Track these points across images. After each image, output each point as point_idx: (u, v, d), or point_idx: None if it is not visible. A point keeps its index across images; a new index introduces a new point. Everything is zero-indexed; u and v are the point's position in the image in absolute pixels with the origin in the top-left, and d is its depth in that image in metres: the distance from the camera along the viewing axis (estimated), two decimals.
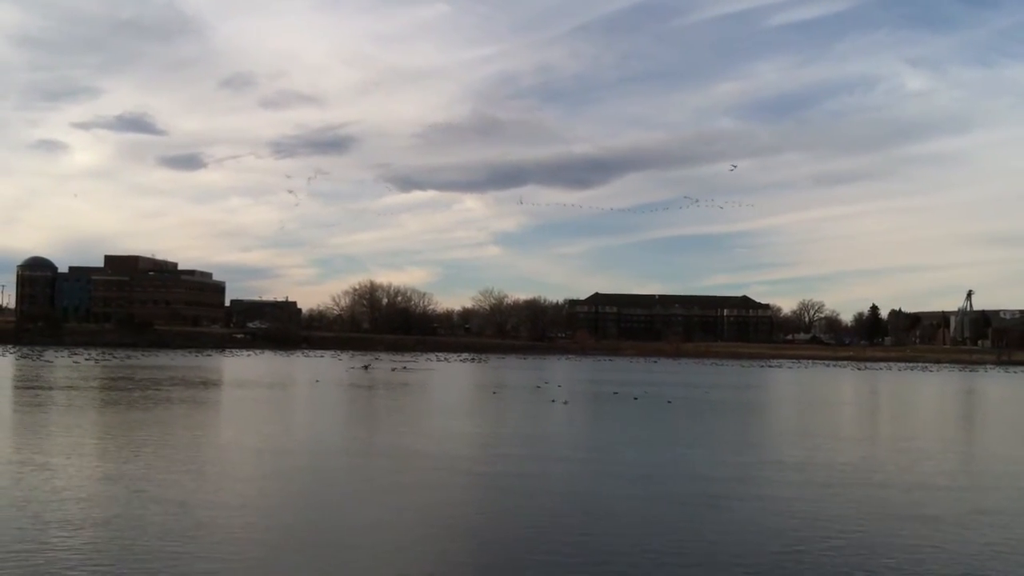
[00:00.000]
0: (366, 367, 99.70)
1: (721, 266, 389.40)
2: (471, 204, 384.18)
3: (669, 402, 58.86)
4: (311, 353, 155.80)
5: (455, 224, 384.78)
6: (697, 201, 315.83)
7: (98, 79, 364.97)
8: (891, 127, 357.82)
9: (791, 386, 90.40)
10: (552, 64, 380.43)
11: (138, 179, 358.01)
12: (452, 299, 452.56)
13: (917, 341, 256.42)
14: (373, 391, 65.49)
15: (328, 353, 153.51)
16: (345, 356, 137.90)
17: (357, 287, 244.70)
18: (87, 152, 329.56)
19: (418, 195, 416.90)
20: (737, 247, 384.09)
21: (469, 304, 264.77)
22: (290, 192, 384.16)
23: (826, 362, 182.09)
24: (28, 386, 60.00)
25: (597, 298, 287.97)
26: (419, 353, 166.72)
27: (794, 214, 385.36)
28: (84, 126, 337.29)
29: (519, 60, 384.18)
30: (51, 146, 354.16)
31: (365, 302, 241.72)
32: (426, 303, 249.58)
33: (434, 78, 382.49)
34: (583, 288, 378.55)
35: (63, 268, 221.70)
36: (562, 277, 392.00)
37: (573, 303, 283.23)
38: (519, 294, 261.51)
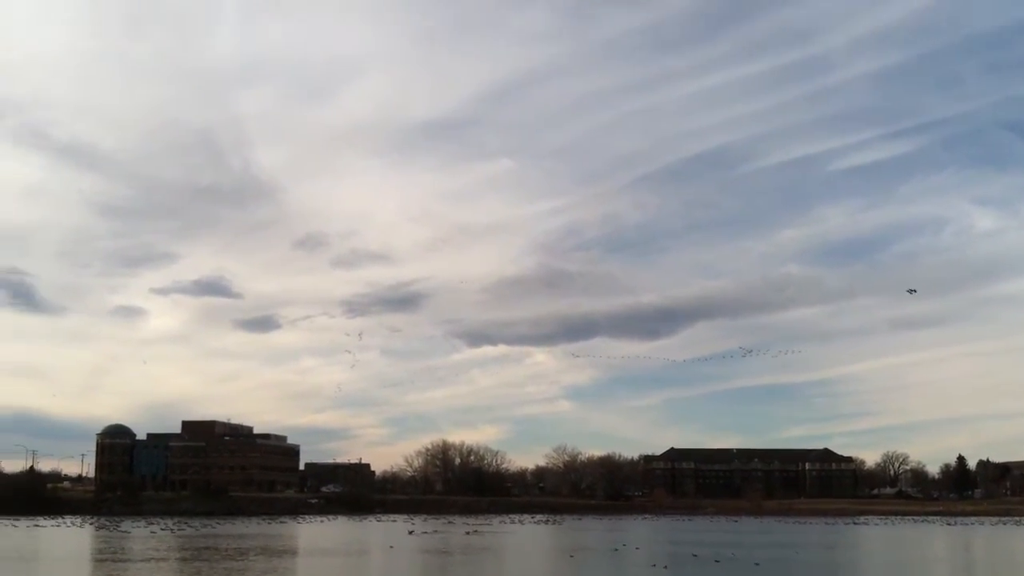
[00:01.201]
0: (411, 532, 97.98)
1: (800, 416, 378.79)
2: (541, 358, 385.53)
3: (757, 564, 56.57)
4: (384, 518, 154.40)
5: (526, 379, 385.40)
6: (766, 351, 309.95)
7: (176, 244, 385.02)
8: (964, 268, 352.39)
9: (881, 545, 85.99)
10: (617, 214, 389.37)
11: (214, 342, 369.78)
12: (525, 456, 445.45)
13: (1008, 493, 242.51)
14: (449, 557, 64.50)
15: (401, 517, 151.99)
16: (419, 520, 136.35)
17: (429, 447, 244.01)
18: (165, 317, 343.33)
19: (488, 350, 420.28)
20: (815, 396, 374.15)
21: (542, 462, 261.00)
22: (348, 352, 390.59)
23: (914, 518, 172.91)
24: (109, 559, 60.68)
25: (673, 453, 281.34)
26: (493, 515, 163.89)
27: (872, 361, 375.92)
28: (162, 291, 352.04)
29: (584, 212, 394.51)
30: (130, 312, 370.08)
31: (438, 462, 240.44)
32: (499, 462, 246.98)
33: (501, 232, 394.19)
34: (658, 442, 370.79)
35: (141, 435, 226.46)
36: (636, 431, 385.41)
37: (649, 459, 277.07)
38: (593, 450, 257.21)
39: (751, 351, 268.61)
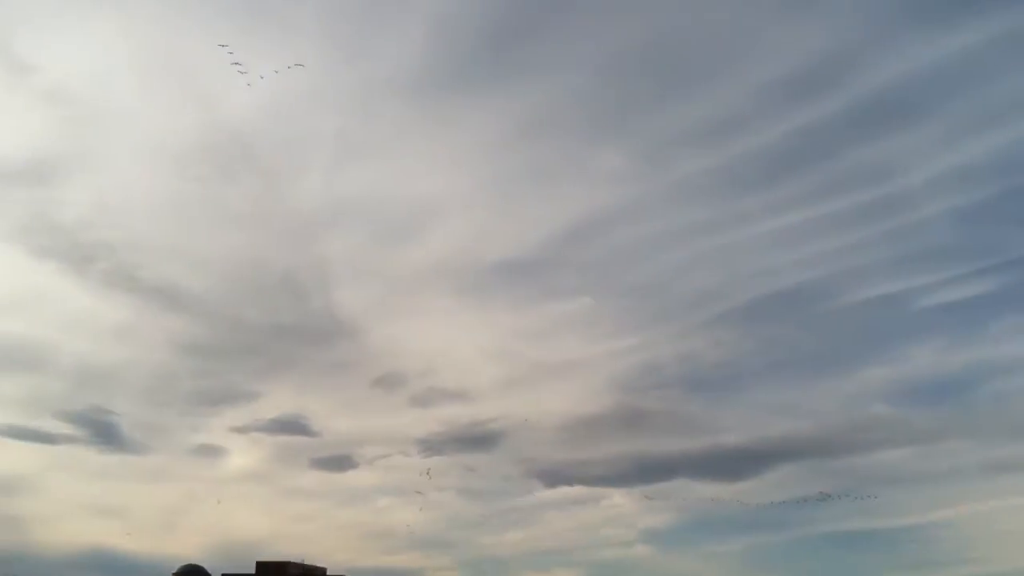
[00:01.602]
0: None
1: (890, 564, 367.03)
2: (619, 499, 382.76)
3: None
4: None
5: (603, 521, 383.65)
6: (851, 495, 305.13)
7: (257, 383, 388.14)
8: None
9: None
10: (695, 353, 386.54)
11: (291, 481, 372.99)
12: None
13: None
14: None
15: None
16: None
17: None
18: (243, 455, 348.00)
19: (565, 491, 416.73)
20: (905, 542, 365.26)
21: None
22: (420, 492, 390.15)
23: None
24: None
25: None
26: None
27: (964, 506, 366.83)
28: (242, 430, 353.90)
29: (662, 350, 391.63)
30: (210, 450, 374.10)
31: None
32: None
33: (578, 370, 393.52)
34: None
35: (215, 574, 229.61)
36: None
37: None
38: None
39: (832, 496, 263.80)
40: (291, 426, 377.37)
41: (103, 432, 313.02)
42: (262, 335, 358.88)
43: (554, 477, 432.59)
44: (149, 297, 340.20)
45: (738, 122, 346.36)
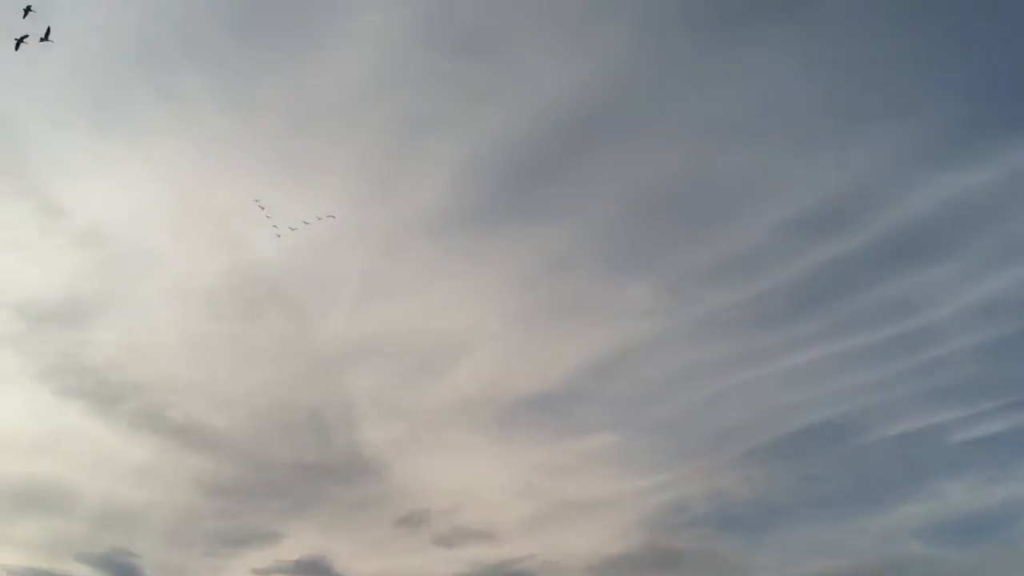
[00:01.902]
0: None
1: None
2: None
3: None
4: None
5: None
6: None
7: (280, 523, 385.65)
8: None
9: None
10: (726, 490, 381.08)
11: None
12: None
13: None
14: None
15: None
16: None
17: None
18: None
19: None
20: None
21: None
22: None
23: None
24: None
25: None
26: None
27: None
28: (264, 572, 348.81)
29: (691, 487, 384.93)
30: None
31: None
32: None
33: (606, 508, 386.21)
34: None
35: None
36: None
37: None
38: None
39: None
40: (314, 567, 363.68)
41: (125, 574, 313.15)
42: (286, 473, 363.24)
43: None
44: (174, 436, 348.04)
45: (761, 258, 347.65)
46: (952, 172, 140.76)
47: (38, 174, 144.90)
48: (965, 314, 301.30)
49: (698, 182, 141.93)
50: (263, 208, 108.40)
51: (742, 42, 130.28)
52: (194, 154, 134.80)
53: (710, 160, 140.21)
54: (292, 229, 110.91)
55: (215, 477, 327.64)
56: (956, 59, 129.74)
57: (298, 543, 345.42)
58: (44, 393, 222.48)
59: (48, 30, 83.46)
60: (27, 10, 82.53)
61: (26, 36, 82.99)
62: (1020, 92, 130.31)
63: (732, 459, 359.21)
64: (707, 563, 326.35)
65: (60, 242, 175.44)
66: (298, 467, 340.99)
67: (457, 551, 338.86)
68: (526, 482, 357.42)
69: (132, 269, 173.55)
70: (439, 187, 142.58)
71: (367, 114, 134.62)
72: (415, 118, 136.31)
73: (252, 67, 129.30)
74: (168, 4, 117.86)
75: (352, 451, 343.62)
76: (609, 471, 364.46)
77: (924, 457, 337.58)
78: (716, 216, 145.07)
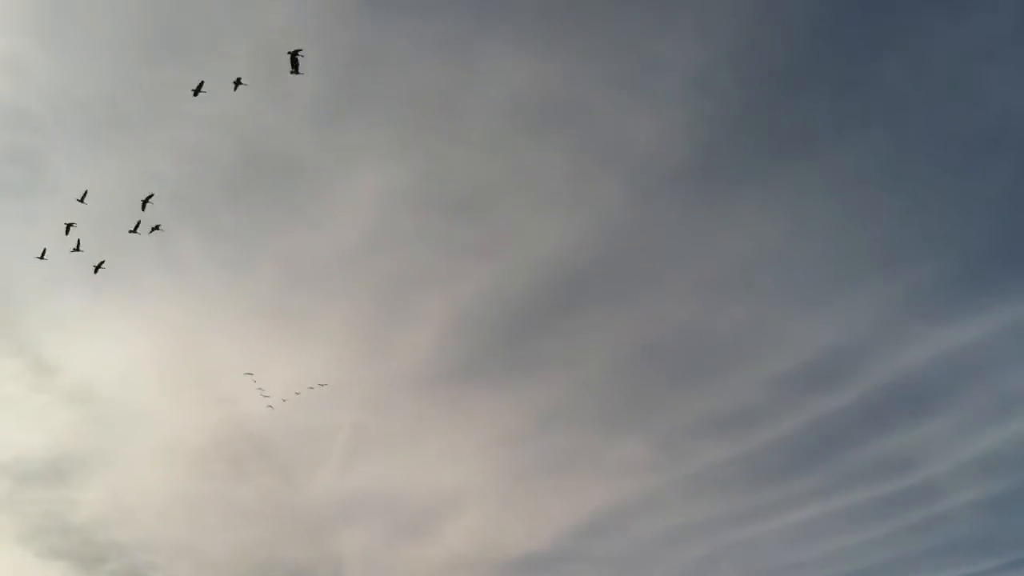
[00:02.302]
0: None
1: None
2: None
3: None
4: None
5: None
6: None
7: None
8: None
9: None
10: None
11: None
12: None
13: None
14: None
15: None
16: None
17: None
18: None
19: None
20: None
21: None
22: None
23: None
24: None
25: None
26: None
27: None
28: None
29: None
30: None
31: None
32: None
33: None
34: None
35: None
36: None
37: None
38: None
39: None
40: None
41: None
42: None
43: None
44: None
45: (757, 413, 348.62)
46: (946, 327, 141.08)
47: (31, 332, 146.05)
48: (963, 470, 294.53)
49: (690, 337, 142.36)
50: (255, 381, 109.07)
51: (732, 201, 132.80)
52: (187, 313, 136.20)
53: (702, 315, 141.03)
54: (284, 400, 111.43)
55: None
56: (948, 213, 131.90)
57: None
58: (27, 555, 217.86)
59: (101, 263, 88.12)
60: (68, 226, 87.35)
61: (103, 263, 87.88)
62: (1013, 247, 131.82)
63: None
64: None
65: (49, 400, 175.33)
66: None
67: None
68: None
69: (120, 427, 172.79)
70: (431, 342, 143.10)
71: (361, 272, 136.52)
72: (408, 275, 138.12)
73: (248, 228, 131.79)
74: (165, 165, 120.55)
75: None
76: None
77: None
78: (709, 371, 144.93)
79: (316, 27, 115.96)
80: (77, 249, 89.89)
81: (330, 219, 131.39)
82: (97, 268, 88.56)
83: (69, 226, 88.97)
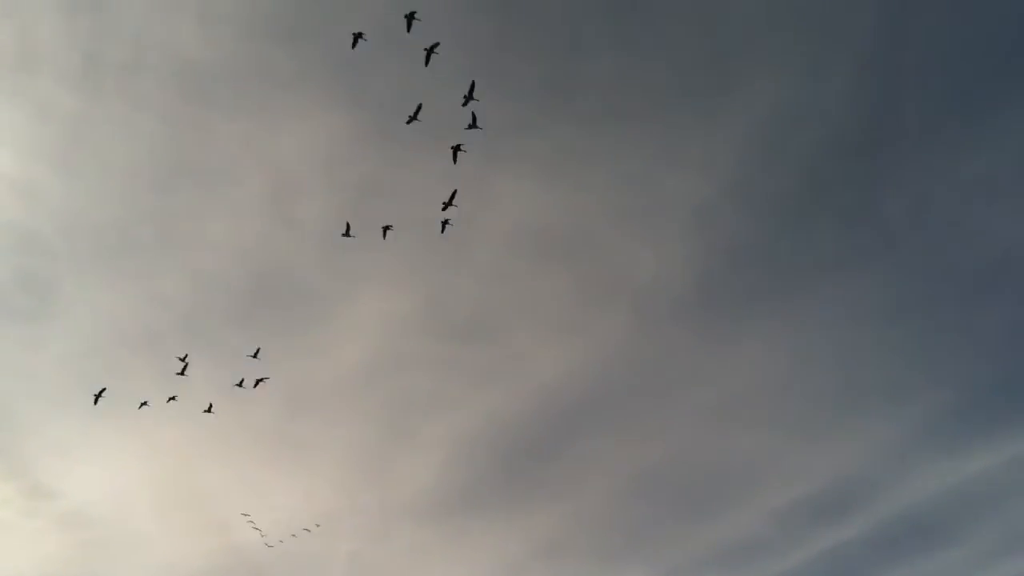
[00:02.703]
0: None
1: None
2: None
3: None
4: None
5: None
6: None
7: None
8: None
9: None
10: None
11: None
12: None
13: None
14: None
15: None
16: None
17: None
18: None
19: None
20: None
21: None
22: None
23: None
24: None
25: None
26: None
27: None
28: None
29: None
30: None
31: None
32: None
33: None
34: None
35: None
36: None
37: None
38: None
39: None
40: None
41: None
42: None
43: None
44: None
45: (760, 546, 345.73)
46: (950, 459, 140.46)
47: (29, 455, 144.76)
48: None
49: (692, 468, 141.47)
50: (251, 521, 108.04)
51: (734, 332, 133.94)
52: (187, 438, 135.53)
53: (704, 446, 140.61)
54: (280, 541, 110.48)
55: None
56: (950, 348, 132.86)
57: None
58: None
59: (102, 391, 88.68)
60: (256, 352, 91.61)
61: (103, 391, 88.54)
62: (1015, 379, 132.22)
63: None
64: None
65: (43, 525, 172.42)
66: None
67: None
68: None
69: (114, 552, 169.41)
70: (432, 470, 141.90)
71: (362, 398, 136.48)
72: (409, 401, 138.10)
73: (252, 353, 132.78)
74: (175, 293, 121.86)
75: None
76: None
77: None
78: (712, 502, 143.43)
79: (324, 158, 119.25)
80: (262, 382, 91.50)
81: (334, 345, 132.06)
82: (97, 398, 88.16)
83: (256, 352, 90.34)
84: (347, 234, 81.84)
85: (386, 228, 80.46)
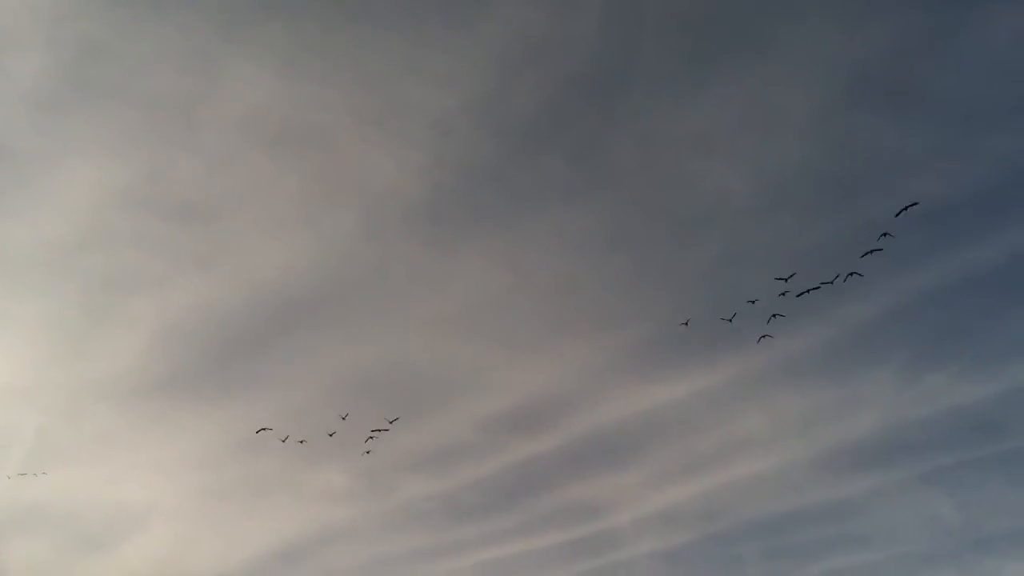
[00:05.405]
0: None
1: None
2: None
3: None
4: None
5: None
6: None
7: None
8: None
9: None
10: None
11: None
12: None
13: None
14: None
15: None
16: None
17: None
18: None
19: None
20: None
21: None
22: None
23: None
24: None
25: None
26: None
27: None
28: None
29: None
30: None
31: None
32: None
33: None
34: None
35: None
36: None
37: None
38: None
39: None
40: None
41: None
42: None
43: None
44: None
45: (461, 452, 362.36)
46: (641, 387, 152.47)
47: None
48: (644, 522, 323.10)
49: (406, 372, 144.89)
50: None
51: (460, 249, 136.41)
52: None
53: (420, 352, 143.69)
54: None
55: None
56: (657, 281, 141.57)
57: None
58: None
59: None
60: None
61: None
62: (709, 320, 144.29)
63: None
64: None
65: None
66: None
67: None
68: None
69: None
70: (135, 352, 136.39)
71: (63, 270, 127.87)
72: (119, 278, 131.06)
73: None
74: None
75: None
76: None
77: None
78: (421, 407, 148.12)
79: (48, 8, 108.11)
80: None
81: (38, 212, 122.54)
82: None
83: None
84: None
85: None
